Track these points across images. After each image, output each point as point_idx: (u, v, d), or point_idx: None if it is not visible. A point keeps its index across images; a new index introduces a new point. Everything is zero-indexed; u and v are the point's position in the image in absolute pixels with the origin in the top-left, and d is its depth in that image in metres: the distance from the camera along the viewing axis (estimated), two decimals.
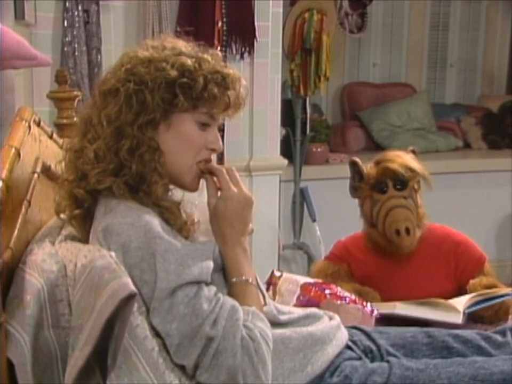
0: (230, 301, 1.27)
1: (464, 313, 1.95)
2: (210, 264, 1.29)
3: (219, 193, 1.38)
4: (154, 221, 1.27)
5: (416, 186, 2.16)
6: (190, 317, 1.22)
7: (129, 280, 1.15)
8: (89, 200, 1.34)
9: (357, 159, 2.21)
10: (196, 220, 1.41)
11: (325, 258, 2.31)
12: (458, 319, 1.95)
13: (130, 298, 1.12)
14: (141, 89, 1.30)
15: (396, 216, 2.11)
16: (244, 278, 1.34)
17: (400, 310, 1.97)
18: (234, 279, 1.34)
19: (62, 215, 1.40)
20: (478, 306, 1.98)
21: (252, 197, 1.39)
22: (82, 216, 1.37)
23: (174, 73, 1.31)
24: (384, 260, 2.16)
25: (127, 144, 1.31)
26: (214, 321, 1.22)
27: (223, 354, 1.21)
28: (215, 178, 1.39)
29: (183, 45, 1.37)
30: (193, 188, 1.40)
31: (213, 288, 1.28)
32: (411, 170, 2.12)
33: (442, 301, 1.98)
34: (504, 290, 2.04)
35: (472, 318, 2.02)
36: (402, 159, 2.15)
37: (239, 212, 1.36)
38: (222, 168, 1.39)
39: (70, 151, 1.36)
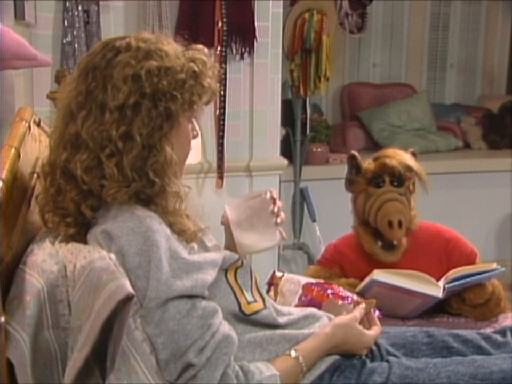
0: (224, 330, 1.24)
1: (444, 288, 1.96)
2: (207, 277, 1.27)
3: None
4: (155, 226, 1.25)
5: (411, 187, 2.16)
6: (179, 336, 1.20)
7: (127, 282, 1.14)
8: (92, 216, 1.30)
9: (356, 153, 2.21)
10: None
11: (317, 263, 2.30)
12: (439, 293, 1.96)
13: (128, 299, 1.11)
14: (167, 106, 1.27)
15: (390, 209, 2.10)
16: (300, 360, 1.33)
17: (378, 277, 1.97)
18: (292, 352, 1.33)
19: (49, 225, 1.36)
20: (460, 281, 1.98)
21: (370, 345, 1.47)
22: (77, 231, 1.33)
23: (191, 83, 1.29)
24: (377, 258, 2.15)
25: (156, 162, 1.27)
26: (200, 349, 1.20)
27: (198, 381, 1.19)
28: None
29: (173, 44, 1.34)
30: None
31: (210, 305, 1.25)
32: (409, 169, 2.12)
33: (423, 274, 1.99)
34: (487, 266, 2.04)
35: (464, 313, 2.03)
36: (401, 157, 2.15)
37: (357, 343, 1.43)
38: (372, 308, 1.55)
39: (81, 169, 1.26)
